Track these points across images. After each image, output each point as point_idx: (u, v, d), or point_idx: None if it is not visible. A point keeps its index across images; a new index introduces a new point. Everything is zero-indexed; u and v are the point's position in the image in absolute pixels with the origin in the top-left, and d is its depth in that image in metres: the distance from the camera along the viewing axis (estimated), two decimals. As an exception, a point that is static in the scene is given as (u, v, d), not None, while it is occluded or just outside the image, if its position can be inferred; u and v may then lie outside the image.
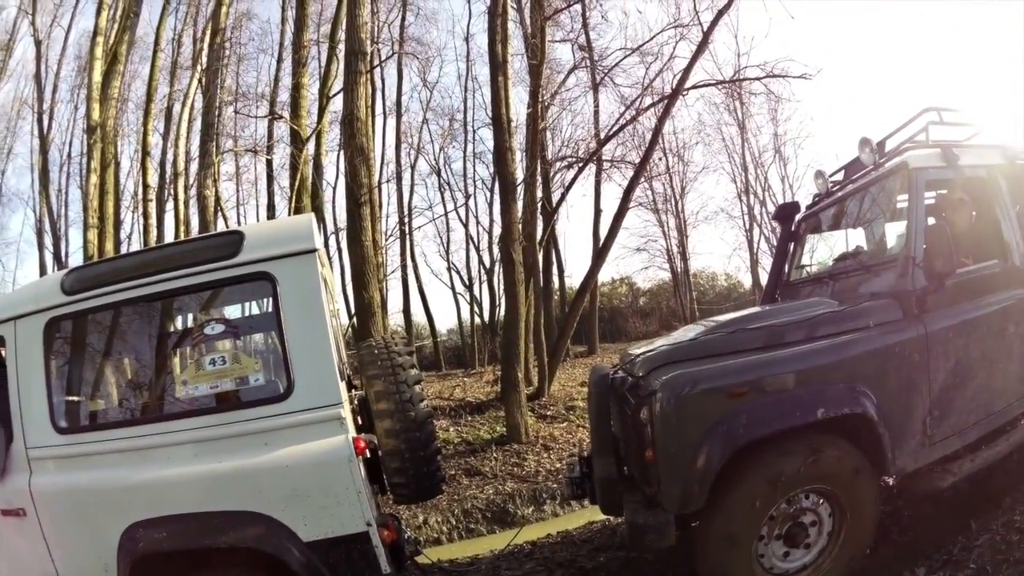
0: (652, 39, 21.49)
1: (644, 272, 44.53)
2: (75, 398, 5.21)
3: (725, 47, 37.00)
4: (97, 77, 16.18)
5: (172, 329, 5.45)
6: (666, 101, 18.53)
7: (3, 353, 5.28)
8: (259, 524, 4.18)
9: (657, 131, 19.33)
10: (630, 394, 5.10)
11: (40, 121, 26.54)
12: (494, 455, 14.52)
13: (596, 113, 27.12)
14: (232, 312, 5.52)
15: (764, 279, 28.55)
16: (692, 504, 4.57)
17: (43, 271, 35.10)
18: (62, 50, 30.99)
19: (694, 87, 19.31)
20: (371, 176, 16.04)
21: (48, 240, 37.54)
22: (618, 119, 21.67)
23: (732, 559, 4.70)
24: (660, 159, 32.10)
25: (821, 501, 4.82)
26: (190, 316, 5.51)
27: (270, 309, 4.90)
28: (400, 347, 5.27)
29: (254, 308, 5.81)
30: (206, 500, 4.26)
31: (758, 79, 19.21)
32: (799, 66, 17.48)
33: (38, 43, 23.10)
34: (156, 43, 23.78)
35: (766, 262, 36.60)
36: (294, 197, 18.15)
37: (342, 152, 16.22)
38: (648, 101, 20.60)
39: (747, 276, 41.30)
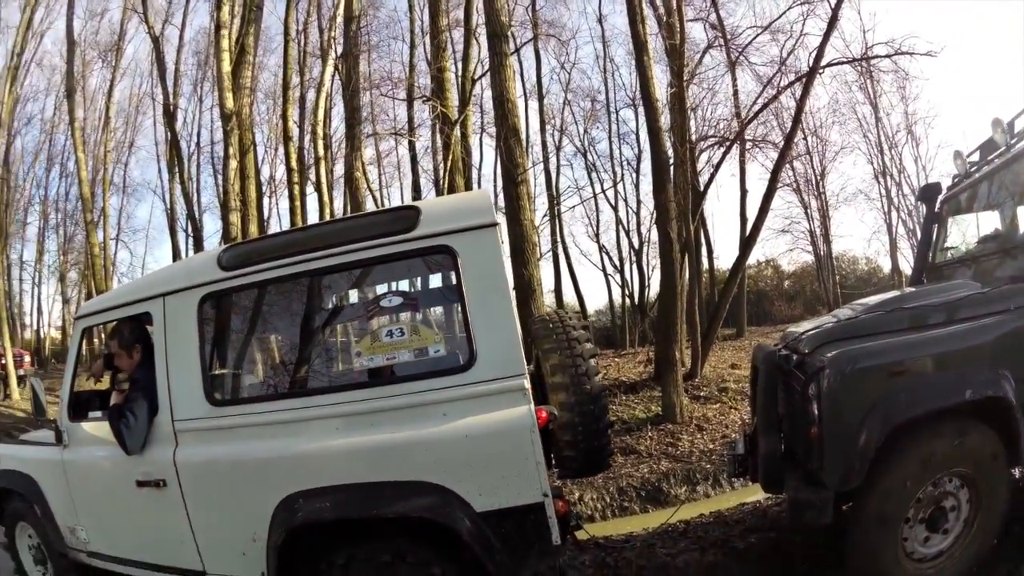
0: (781, 16, 21.64)
1: (788, 254, 43.94)
2: (230, 371, 5.41)
3: (850, 23, 35.96)
4: (227, 68, 16.56)
5: (341, 302, 5.59)
6: (804, 80, 18.38)
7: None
8: (432, 494, 4.20)
9: (799, 110, 19.24)
10: (798, 371, 5.10)
11: (168, 114, 27.35)
12: (649, 434, 14.58)
13: (735, 93, 26.89)
14: (400, 286, 5.56)
15: (903, 264, 27.87)
16: (852, 481, 4.55)
17: (176, 255, 36.50)
18: (178, 48, 32.13)
19: (828, 65, 19.26)
20: (524, 157, 16.16)
21: (180, 226, 39.08)
22: (756, 98, 21.56)
23: (881, 540, 4.66)
24: (800, 139, 31.50)
25: (962, 486, 4.75)
26: (361, 289, 5.61)
27: (445, 283, 5.01)
28: (574, 321, 5.27)
29: (419, 282, 5.88)
30: (376, 470, 4.31)
31: (887, 56, 19.14)
32: (924, 43, 17.23)
33: (155, 40, 23.82)
34: (286, 34, 24.57)
35: (904, 246, 35.69)
36: (447, 178, 18.35)
37: (496, 133, 16.30)
38: (783, 80, 20.43)
39: (886, 260, 40.40)
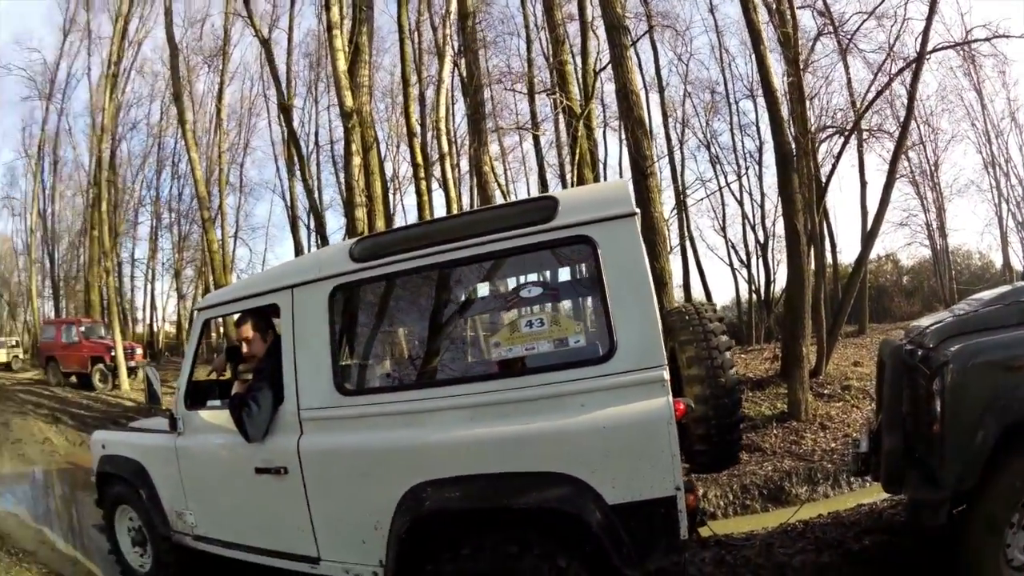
0: (884, 1, 20.80)
1: (907, 248, 43.05)
2: (360, 361, 5.40)
3: (948, 6, 35.10)
4: (343, 67, 16.77)
5: (474, 294, 5.47)
6: (914, 65, 17.97)
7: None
8: (565, 485, 4.09)
9: (911, 98, 18.79)
10: (923, 365, 4.86)
11: (286, 113, 27.92)
12: (774, 432, 14.35)
13: (849, 82, 26.51)
14: (532, 277, 5.46)
15: (1014, 259, 27.17)
16: (967, 481, 4.36)
17: (298, 251, 37.39)
18: (288, 50, 32.86)
19: (933, 51, 18.76)
20: (651, 148, 15.97)
21: (302, 222, 40.01)
22: (869, 86, 21.21)
23: (986, 545, 4.46)
24: (913, 128, 30.78)
25: None
26: (495, 281, 5.52)
27: (584, 273, 4.85)
28: (710, 313, 5.14)
29: (549, 274, 5.77)
30: (508, 461, 4.24)
31: (986, 40, 18.73)
32: (1017, 26, 16.83)
33: (264, 42, 24.28)
34: (400, 32, 24.90)
35: (1014, 240, 34.64)
36: (576, 171, 18.30)
37: (621, 125, 16.26)
38: (892, 66, 20.08)
39: (998, 255, 39.34)
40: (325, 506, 4.93)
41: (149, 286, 53.37)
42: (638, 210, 4.47)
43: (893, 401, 5.18)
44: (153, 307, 54.05)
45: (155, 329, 53.83)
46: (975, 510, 4.49)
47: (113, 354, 27.70)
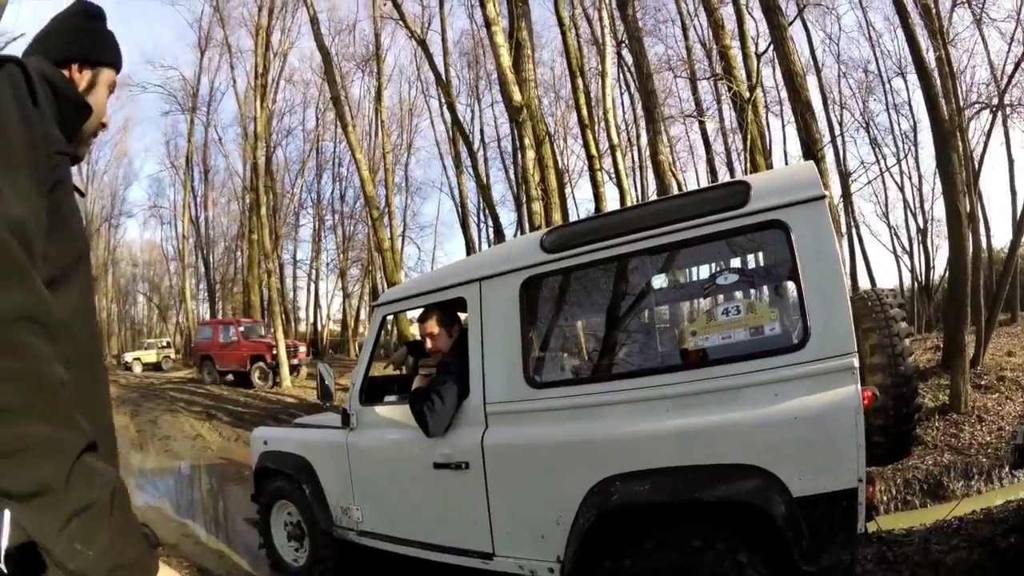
0: None
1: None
2: (551, 353, 5.46)
3: None
4: (507, 62, 16.81)
5: (665, 282, 5.47)
6: None
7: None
8: (754, 478, 4.04)
9: None
10: None
11: (452, 111, 28.41)
12: (935, 424, 13.97)
13: (988, 53, 26.09)
14: (724, 264, 5.43)
15: None
16: None
17: (469, 248, 37.97)
18: (443, 51, 33.37)
19: None
20: (819, 131, 15.80)
21: (472, 219, 40.58)
22: (1006, 57, 20.65)
23: None
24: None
25: None
26: (685, 269, 5.59)
27: (777, 259, 4.81)
28: (891, 299, 5.02)
29: (739, 260, 5.73)
30: (697, 453, 4.20)
31: None
32: None
33: (421, 43, 24.53)
34: (561, 25, 25.02)
35: None
36: (748, 158, 18.17)
37: (790, 108, 16.12)
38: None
39: None
40: (505, 501, 4.95)
41: (312, 286, 55.34)
42: (828, 192, 4.43)
43: None
44: (317, 306, 56.16)
45: (319, 328, 55.52)
46: None
47: (275, 352, 28.68)
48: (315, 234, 52.67)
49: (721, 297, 4.78)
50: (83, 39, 1.94)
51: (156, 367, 44.09)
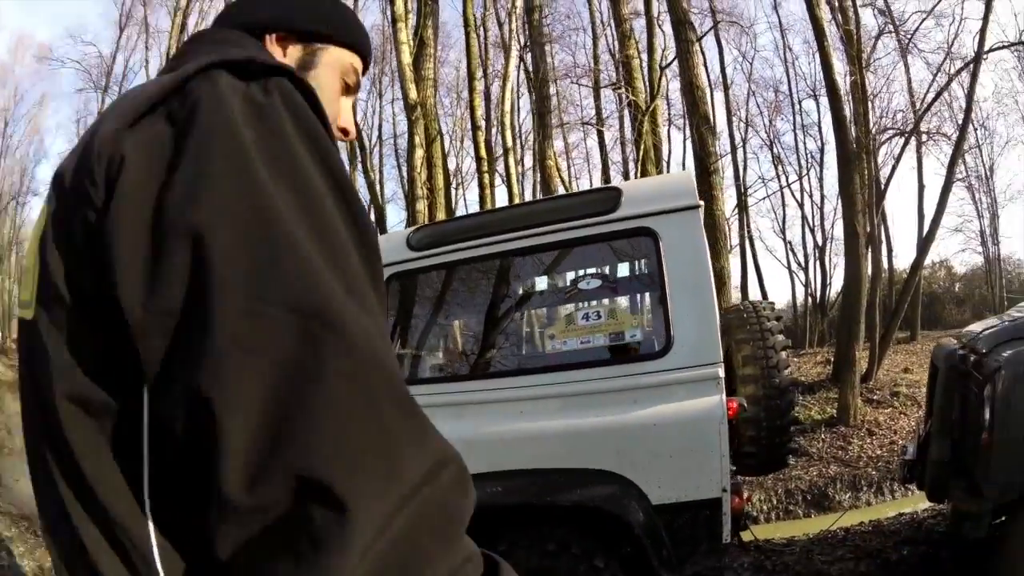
0: (941, 0, 20.71)
1: (960, 255, 42.76)
2: (414, 351, 5.37)
3: (1003, 6, 34.76)
4: (407, 60, 16.76)
5: (531, 285, 5.50)
6: (972, 66, 17.78)
7: None
8: (611, 483, 4.04)
9: (970, 98, 18.32)
10: (975, 371, 4.76)
11: None
12: (822, 436, 14.30)
13: (909, 82, 26.28)
14: (592, 269, 5.44)
15: None
16: (1011, 493, 4.25)
17: None
18: None
19: (990, 50, 18.75)
20: (716, 145, 15.94)
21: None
22: (928, 87, 21.27)
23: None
24: (969, 131, 30.55)
25: None
26: (553, 272, 5.49)
27: (644, 266, 4.82)
28: (768, 312, 5.09)
29: (609, 267, 5.74)
30: (555, 457, 4.19)
31: None
32: None
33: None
34: (467, 26, 24.77)
35: None
36: (640, 167, 18.31)
37: (687, 121, 16.32)
38: (950, 67, 20.24)
39: None
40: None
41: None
42: (702, 203, 4.46)
43: (944, 408, 5.10)
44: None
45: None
46: (1015, 523, 4.39)
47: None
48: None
49: (583, 302, 4.80)
50: (278, 3, 1.35)
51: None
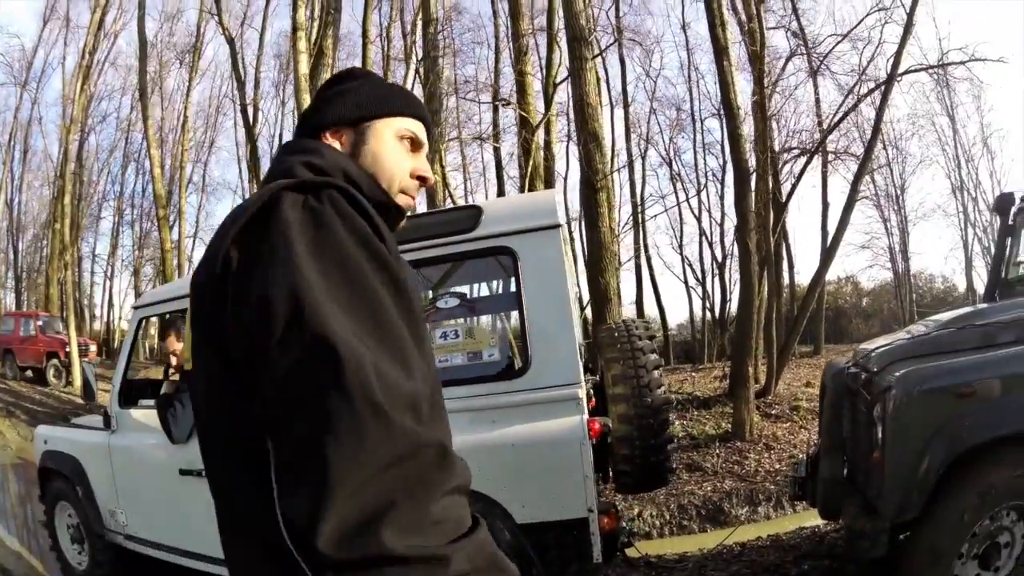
0: (860, 23, 21.50)
1: (868, 271, 43.78)
2: None
3: (927, 31, 35.98)
4: (304, 70, 16.63)
5: None
6: (883, 87, 18.09)
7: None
8: (474, 502, 4.04)
9: (879, 119, 18.62)
10: (864, 390, 4.82)
11: (245, 114, 27.79)
12: (716, 451, 14.40)
13: (817, 102, 26.95)
14: (459, 289, 5.44)
15: (977, 283, 27.85)
16: (909, 512, 4.26)
17: None
18: (259, 49, 33.08)
19: (905, 72, 19.14)
20: (605, 162, 16.03)
21: None
22: (839, 108, 21.31)
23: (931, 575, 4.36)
24: (880, 151, 31.20)
25: (1018, 520, 4.41)
26: (423, 289, 5.51)
27: (503, 285, 4.84)
28: (640, 331, 5.05)
29: (477, 286, 5.76)
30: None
31: (961, 63, 19.25)
32: (996, 50, 17.42)
33: (231, 42, 24.06)
34: (364, 36, 24.81)
35: (979, 264, 35.50)
36: (527, 183, 18.36)
37: (576, 137, 16.40)
38: (864, 89, 20.27)
39: (963, 279, 40.25)
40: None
41: (108, 283, 52.97)
42: (562, 222, 4.48)
43: (832, 426, 5.19)
44: (111, 304, 53.55)
45: (112, 326, 53.32)
46: (919, 541, 4.43)
47: (68, 350, 27.53)
48: (114, 228, 50.11)
49: (444, 320, 4.77)
50: (325, 106, 1.73)
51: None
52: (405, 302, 1.23)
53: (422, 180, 1.76)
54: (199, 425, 1.48)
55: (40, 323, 29.45)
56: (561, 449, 4.01)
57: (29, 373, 28.96)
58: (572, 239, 13.90)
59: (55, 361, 27.84)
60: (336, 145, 1.67)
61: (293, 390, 1.09)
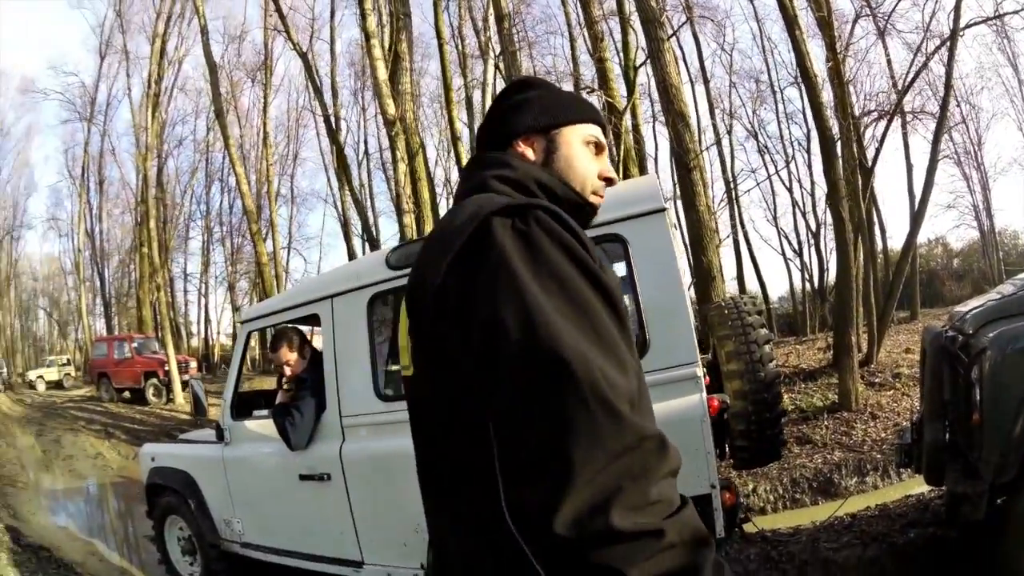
0: None
1: (955, 231, 42.72)
2: (398, 368, 5.40)
3: None
4: (383, 75, 16.70)
5: None
6: (948, 43, 17.87)
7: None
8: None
9: (948, 75, 18.50)
10: (962, 352, 4.72)
11: (328, 125, 28.02)
12: (825, 423, 14.19)
13: (889, 63, 26.56)
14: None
15: None
16: (1008, 473, 4.13)
17: (351, 259, 37.59)
18: (331, 61, 33.35)
19: (967, 26, 18.63)
20: (695, 141, 15.82)
21: (355, 231, 40.42)
22: (908, 67, 20.91)
23: None
24: (955, 107, 30.45)
25: None
26: None
27: (617, 271, 4.82)
28: (749, 307, 5.06)
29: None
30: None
31: (1016, 12, 18.67)
32: None
33: (303, 56, 24.20)
34: (439, 37, 25.18)
35: None
36: (621, 168, 18.29)
37: (663, 119, 16.29)
38: (930, 46, 19.77)
39: None
40: (368, 511, 5.00)
41: (203, 300, 54.33)
42: (668, 206, 4.45)
43: (934, 390, 5.06)
44: (207, 320, 55.13)
45: (210, 342, 54.70)
46: (1016, 504, 4.30)
47: (167, 368, 28.15)
48: (204, 247, 51.66)
49: None
50: (512, 115, 1.82)
51: (58, 385, 43.08)
52: (612, 305, 1.34)
53: (609, 181, 1.85)
54: (418, 425, 1.70)
55: (135, 345, 30.43)
56: (683, 427, 3.99)
57: (126, 395, 29.81)
58: (678, 221, 13.76)
59: (154, 380, 28.60)
60: (529, 152, 1.78)
61: (533, 397, 1.21)
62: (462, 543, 1.47)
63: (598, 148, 1.83)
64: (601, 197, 1.83)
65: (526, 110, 1.80)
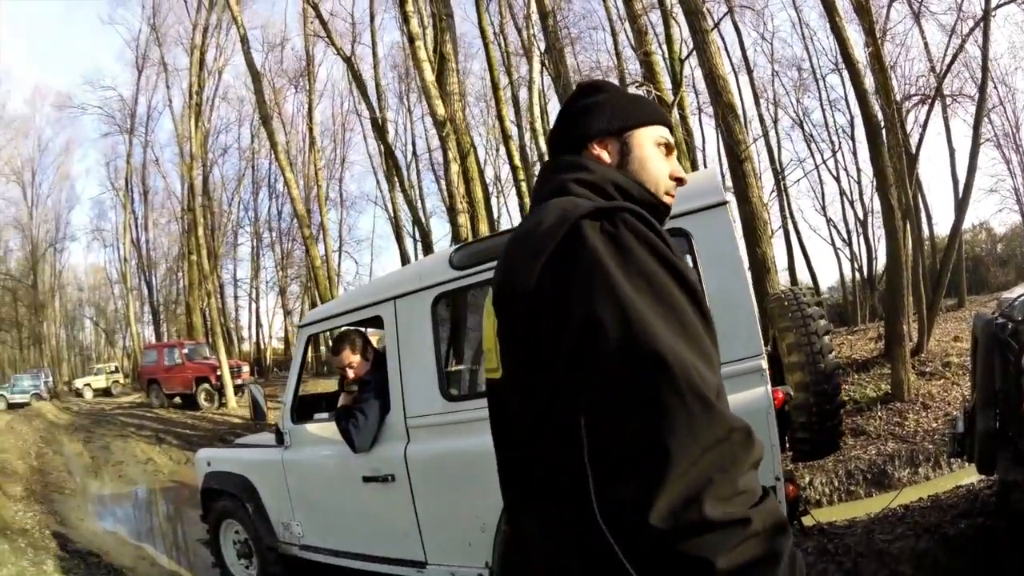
0: None
1: (998, 216, 42.13)
2: (464, 367, 5.55)
3: None
4: (430, 77, 16.67)
5: None
6: (982, 24, 17.85)
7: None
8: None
9: (984, 56, 18.48)
10: (1013, 340, 4.68)
11: (376, 128, 28.12)
12: (878, 414, 14.19)
13: (926, 46, 26.38)
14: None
15: None
16: None
17: (404, 260, 37.77)
18: (374, 64, 33.37)
19: (999, 6, 18.62)
20: (744, 132, 15.83)
21: (406, 232, 40.59)
22: (945, 50, 21.04)
23: None
24: (992, 89, 29.99)
25: None
26: None
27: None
28: (808, 298, 5.06)
29: None
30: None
31: None
32: None
33: (347, 60, 24.25)
34: (483, 37, 25.45)
35: None
36: None
37: (713, 111, 16.22)
38: (962, 27, 19.89)
39: None
40: (432, 511, 5.00)
41: (254, 305, 54.86)
42: (729, 198, 4.43)
43: (986, 379, 5.00)
44: (259, 325, 55.77)
45: (262, 346, 55.26)
46: None
47: (219, 373, 28.42)
48: (254, 252, 52.39)
49: None
50: (584, 118, 1.86)
51: (106, 392, 43.60)
52: (697, 302, 1.38)
53: (679, 181, 1.90)
54: (505, 426, 1.70)
55: (186, 351, 30.59)
56: (749, 420, 3.73)
57: (177, 400, 30.14)
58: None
59: (206, 385, 28.90)
60: (604, 155, 1.81)
61: (631, 392, 1.25)
62: (548, 544, 1.49)
63: (668, 149, 1.89)
64: (673, 197, 1.90)
65: (598, 113, 1.84)
